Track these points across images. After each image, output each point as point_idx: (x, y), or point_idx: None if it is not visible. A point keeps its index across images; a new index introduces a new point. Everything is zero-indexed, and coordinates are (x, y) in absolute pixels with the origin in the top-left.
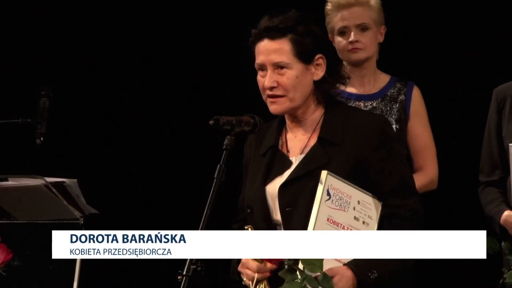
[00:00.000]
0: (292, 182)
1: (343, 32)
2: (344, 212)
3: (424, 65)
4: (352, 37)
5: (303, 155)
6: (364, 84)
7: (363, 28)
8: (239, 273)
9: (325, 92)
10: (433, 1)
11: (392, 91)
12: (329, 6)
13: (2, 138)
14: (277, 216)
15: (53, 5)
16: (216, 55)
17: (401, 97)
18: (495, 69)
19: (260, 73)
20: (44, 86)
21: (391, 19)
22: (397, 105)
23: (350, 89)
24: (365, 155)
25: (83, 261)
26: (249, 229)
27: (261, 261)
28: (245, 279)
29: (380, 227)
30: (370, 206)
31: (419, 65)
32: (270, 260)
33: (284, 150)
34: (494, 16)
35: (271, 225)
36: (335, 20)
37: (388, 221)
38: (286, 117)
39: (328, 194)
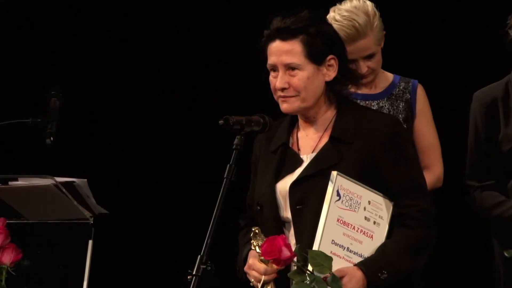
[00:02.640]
0: (303, 180)
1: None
2: (354, 212)
3: (426, 64)
4: (361, 69)
5: (314, 154)
6: (370, 84)
7: (370, 56)
8: (245, 272)
9: (337, 92)
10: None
11: (397, 90)
12: None
13: (13, 138)
14: (287, 213)
15: (64, 5)
16: (227, 54)
17: (406, 96)
18: (497, 68)
19: (272, 73)
20: (54, 86)
21: (392, 18)
22: (403, 104)
23: (356, 89)
24: (377, 155)
25: (92, 261)
26: (257, 230)
27: (268, 262)
28: (252, 280)
29: (391, 227)
30: (381, 206)
31: (421, 64)
32: (277, 262)
33: (295, 148)
34: (495, 14)
35: (280, 222)
36: None
37: (399, 221)
38: (299, 116)
39: (338, 194)
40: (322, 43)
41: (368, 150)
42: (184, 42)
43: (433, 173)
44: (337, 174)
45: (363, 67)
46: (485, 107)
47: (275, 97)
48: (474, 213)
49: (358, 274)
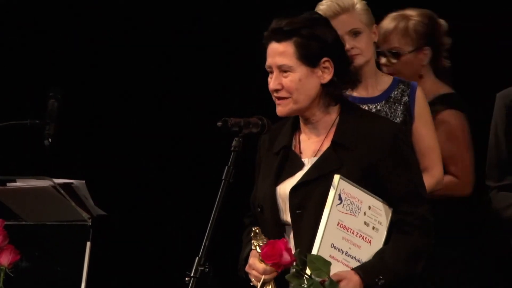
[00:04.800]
0: (303, 185)
1: None
2: (354, 217)
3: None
4: (346, 45)
5: (315, 158)
6: (367, 87)
7: (355, 33)
8: (246, 272)
9: (334, 95)
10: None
11: (396, 92)
12: None
13: (11, 139)
14: (286, 217)
15: (62, 7)
16: (227, 55)
17: (405, 99)
18: (501, 71)
19: (270, 75)
20: (53, 88)
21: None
22: (402, 107)
23: (354, 93)
24: (378, 161)
25: (90, 262)
26: (257, 230)
27: None
28: (253, 279)
29: (389, 234)
30: (381, 212)
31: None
32: (277, 266)
33: (297, 151)
34: (496, 16)
35: (280, 225)
36: None
37: (397, 228)
38: (300, 118)
39: (340, 198)
40: (316, 46)
41: (369, 156)
42: (184, 43)
43: (433, 175)
44: (340, 178)
45: (349, 42)
46: (506, 108)
47: (273, 98)
48: (489, 214)
49: (355, 278)
